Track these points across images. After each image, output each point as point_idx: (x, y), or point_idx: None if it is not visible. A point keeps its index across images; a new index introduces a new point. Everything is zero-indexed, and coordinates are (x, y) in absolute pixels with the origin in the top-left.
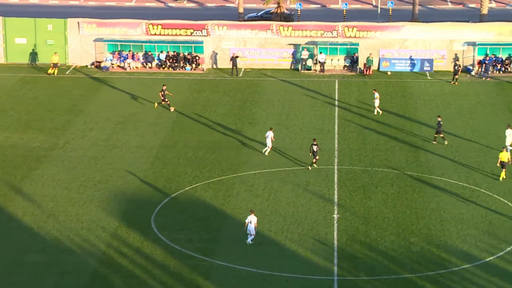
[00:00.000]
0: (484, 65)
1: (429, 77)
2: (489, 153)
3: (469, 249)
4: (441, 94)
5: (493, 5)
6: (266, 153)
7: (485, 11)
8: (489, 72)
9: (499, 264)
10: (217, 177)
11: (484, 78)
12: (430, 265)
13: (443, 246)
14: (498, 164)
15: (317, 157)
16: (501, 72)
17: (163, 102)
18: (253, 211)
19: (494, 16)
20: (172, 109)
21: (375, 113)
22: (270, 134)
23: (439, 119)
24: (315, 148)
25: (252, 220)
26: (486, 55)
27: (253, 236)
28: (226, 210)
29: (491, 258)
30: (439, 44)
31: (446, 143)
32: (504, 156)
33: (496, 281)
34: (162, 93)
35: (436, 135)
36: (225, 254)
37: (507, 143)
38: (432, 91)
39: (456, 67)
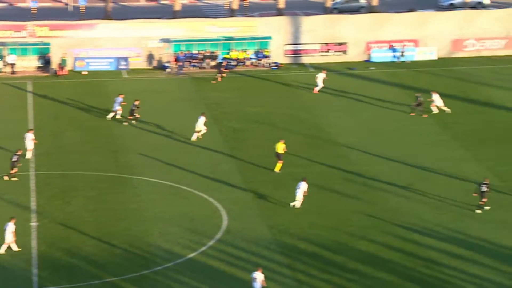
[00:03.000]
0: (178, 61)
1: (125, 75)
2: (193, 150)
3: (171, 247)
4: (138, 92)
5: (186, 1)
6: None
7: (178, 7)
8: (184, 68)
9: (200, 259)
10: None
11: (179, 75)
12: (133, 267)
13: (145, 247)
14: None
15: None
16: (196, 68)
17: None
18: None
19: (187, 12)
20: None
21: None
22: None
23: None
24: None
25: None
26: (181, 51)
27: None
28: None
29: (193, 254)
30: (134, 42)
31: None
32: (279, 147)
33: (198, 276)
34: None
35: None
36: None
37: (197, 129)
38: (129, 89)
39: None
